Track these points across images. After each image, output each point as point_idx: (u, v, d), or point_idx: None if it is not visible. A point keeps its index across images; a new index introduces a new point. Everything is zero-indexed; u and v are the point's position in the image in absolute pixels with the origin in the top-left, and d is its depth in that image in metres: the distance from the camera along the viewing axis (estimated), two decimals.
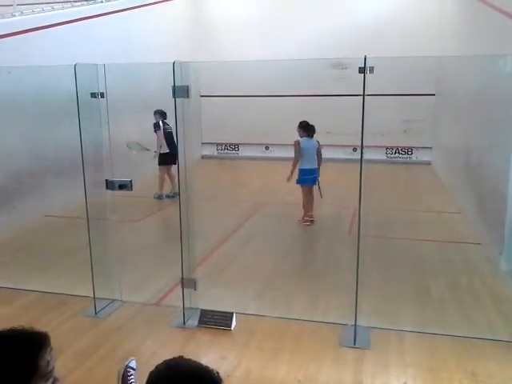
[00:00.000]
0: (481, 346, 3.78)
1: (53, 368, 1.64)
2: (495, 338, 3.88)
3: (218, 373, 1.45)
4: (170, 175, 8.56)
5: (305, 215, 7.07)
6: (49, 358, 1.62)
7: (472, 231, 6.55)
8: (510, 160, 5.10)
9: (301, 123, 7.12)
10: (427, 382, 3.37)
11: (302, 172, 6.93)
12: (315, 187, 7.12)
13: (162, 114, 8.42)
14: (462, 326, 4.09)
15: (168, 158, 8.25)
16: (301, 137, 7.05)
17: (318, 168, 7.09)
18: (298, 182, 6.98)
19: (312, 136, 7.04)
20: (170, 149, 8.22)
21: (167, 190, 8.64)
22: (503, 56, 5.47)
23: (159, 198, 8.49)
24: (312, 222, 7.07)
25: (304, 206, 7.08)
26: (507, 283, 4.92)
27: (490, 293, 4.73)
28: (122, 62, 6.91)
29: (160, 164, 8.52)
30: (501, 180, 5.35)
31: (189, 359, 1.50)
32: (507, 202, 5.15)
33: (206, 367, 1.45)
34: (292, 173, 6.89)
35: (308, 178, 6.98)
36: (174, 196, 8.02)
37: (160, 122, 8.41)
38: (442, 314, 4.32)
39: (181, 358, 1.50)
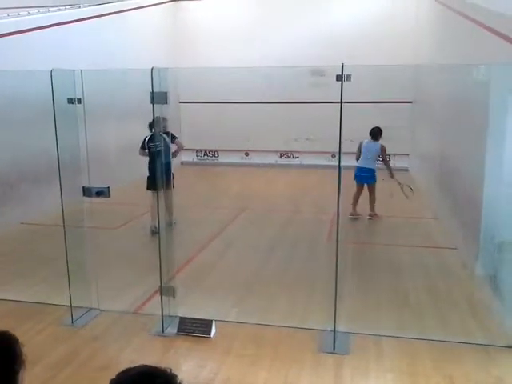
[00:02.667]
0: (457, 350, 3.83)
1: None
2: (471, 342, 3.94)
3: (170, 369, 1.45)
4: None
5: (353, 210, 7.65)
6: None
7: (448, 236, 6.66)
8: (485, 167, 5.21)
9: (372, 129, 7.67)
10: None
11: (357, 169, 7.60)
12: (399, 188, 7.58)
13: (154, 125, 6.21)
14: (439, 331, 4.15)
15: (148, 183, 6.63)
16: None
17: (389, 171, 7.68)
18: (354, 179, 7.62)
19: (376, 139, 7.57)
20: (149, 171, 6.60)
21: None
22: (476, 66, 5.60)
23: (154, 232, 6.42)
24: (357, 217, 7.64)
25: (353, 203, 7.63)
26: (482, 288, 5.00)
27: (466, 297, 4.81)
28: (100, 68, 6.85)
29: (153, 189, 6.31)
30: (476, 186, 5.46)
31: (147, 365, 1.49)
32: (482, 208, 5.26)
33: (159, 367, 1.45)
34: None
35: (359, 176, 7.57)
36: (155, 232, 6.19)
37: (146, 139, 6.84)
38: (419, 319, 4.37)
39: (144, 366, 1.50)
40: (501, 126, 4.97)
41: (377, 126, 7.72)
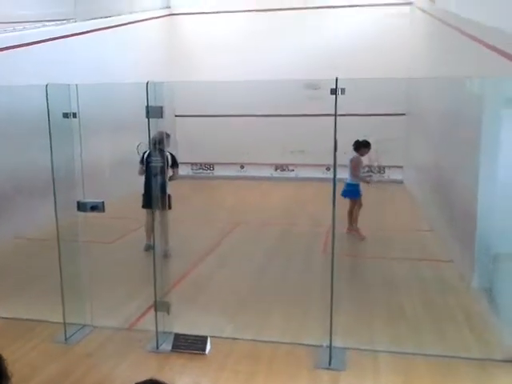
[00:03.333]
0: (454, 365, 3.80)
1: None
2: (468, 356, 3.91)
3: None
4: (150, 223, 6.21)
5: (354, 226, 7.54)
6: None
7: (444, 249, 6.65)
8: (478, 179, 5.23)
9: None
10: None
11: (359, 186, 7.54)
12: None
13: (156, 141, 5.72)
14: (436, 345, 4.12)
15: (143, 201, 6.47)
16: (362, 155, 7.53)
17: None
18: (358, 195, 7.51)
19: (356, 152, 7.52)
20: (145, 189, 6.40)
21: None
22: (470, 79, 5.65)
23: (148, 248, 6.43)
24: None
25: (352, 218, 7.55)
26: (479, 300, 4.99)
27: (462, 310, 4.79)
28: (96, 82, 6.86)
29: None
30: (470, 199, 5.47)
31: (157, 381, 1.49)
32: (477, 220, 5.26)
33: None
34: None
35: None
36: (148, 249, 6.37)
37: (145, 154, 6.47)
38: (416, 333, 4.34)
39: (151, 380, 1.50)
40: (494, 138, 5.00)
41: (365, 139, 7.59)
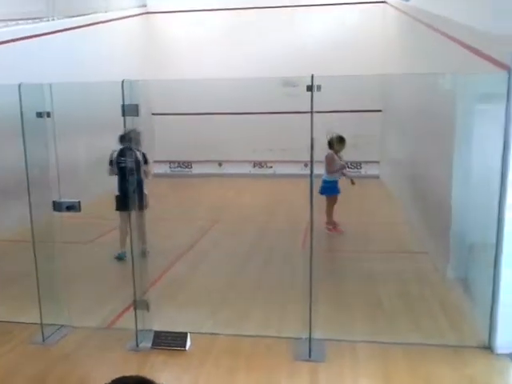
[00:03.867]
0: (431, 352, 3.89)
1: None
2: (444, 344, 4.01)
3: None
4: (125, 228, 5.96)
5: (331, 223, 7.49)
6: None
7: (420, 241, 6.78)
8: (452, 172, 5.34)
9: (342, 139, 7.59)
10: None
11: (337, 183, 7.52)
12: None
13: (125, 140, 5.88)
14: (413, 334, 4.20)
15: (117, 203, 6.16)
16: (337, 151, 7.54)
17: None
18: (335, 192, 7.49)
19: (330, 148, 7.53)
20: (119, 190, 6.11)
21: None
22: (442, 74, 5.76)
23: (119, 258, 6.14)
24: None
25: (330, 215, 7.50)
26: (454, 290, 5.10)
27: (438, 300, 4.89)
28: (73, 81, 6.77)
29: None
30: (445, 191, 5.58)
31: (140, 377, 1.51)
32: (451, 212, 5.38)
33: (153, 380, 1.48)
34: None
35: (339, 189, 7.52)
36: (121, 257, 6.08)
37: (114, 154, 6.19)
38: (393, 323, 4.42)
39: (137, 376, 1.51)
40: (467, 133, 5.10)
41: (339, 135, 7.64)
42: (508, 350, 3.84)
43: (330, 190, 7.45)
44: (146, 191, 5.74)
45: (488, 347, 3.93)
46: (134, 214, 4.88)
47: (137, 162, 5.41)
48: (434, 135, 6.41)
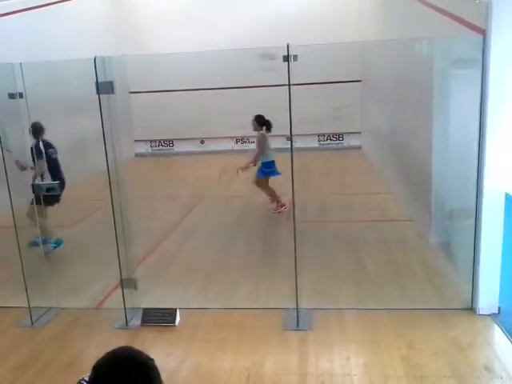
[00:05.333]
0: (416, 316, 3.99)
1: None
2: (428, 307, 4.11)
3: (153, 360, 1.50)
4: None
5: (278, 203, 7.18)
6: None
7: (403, 209, 6.86)
8: (432, 139, 5.39)
9: (259, 118, 7.31)
10: (368, 354, 3.52)
11: (269, 164, 7.14)
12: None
13: (37, 132, 5.53)
14: (398, 300, 4.30)
15: (52, 197, 5.26)
16: (259, 131, 7.25)
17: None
18: (264, 174, 7.14)
19: (270, 131, 7.29)
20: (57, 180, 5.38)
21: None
22: (419, 40, 5.74)
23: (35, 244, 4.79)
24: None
25: (274, 195, 7.21)
26: (436, 255, 5.21)
27: (422, 265, 4.99)
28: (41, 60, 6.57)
29: (45, 203, 5.02)
30: (425, 158, 5.64)
31: (128, 348, 1.51)
32: (432, 180, 5.45)
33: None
34: (248, 165, 7.08)
35: (272, 170, 7.19)
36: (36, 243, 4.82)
37: (40, 145, 5.56)
38: (379, 290, 4.50)
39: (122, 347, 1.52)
40: (445, 99, 5.13)
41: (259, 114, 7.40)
42: (490, 310, 3.95)
43: (270, 173, 7.17)
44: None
45: (470, 309, 4.03)
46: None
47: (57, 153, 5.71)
48: (413, 103, 6.42)
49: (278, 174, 7.10)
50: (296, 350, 3.61)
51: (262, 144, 7.17)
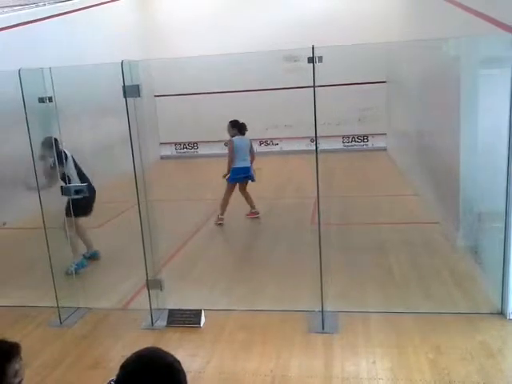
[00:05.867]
0: (443, 320, 3.92)
1: (21, 380, 1.65)
2: (456, 311, 4.03)
3: (179, 362, 1.53)
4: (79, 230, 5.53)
5: (221, 214, 6.94)
6: (17, 368, 1.66)
7: (429, 212, 6.76)
8: (460, 140, 5.29)
9: (232, 122, 7.09)
10: (395, 358, 3.47)
11: (236, 171, 6.90)
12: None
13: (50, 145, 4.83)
14: (425, 303, 4.23)
15: (84, 206, 5.29)
16: (232, 136, 7.04)
17: (251, 164, 7.12)
18: (230, 180, 6.93)
19: (244, 134, 7.05)
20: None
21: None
22: (446, 40, 5.65)
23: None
24: (257, 214, 7.09)
25: (223, 205, 6.96)
26: (465, 258, 5.11)
27: (449, 269, 4.90)
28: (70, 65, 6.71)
29: (75, 215, 4.97)
30: (453, 160, 5.54)
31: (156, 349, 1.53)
32: (460, 181, 5.35)
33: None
34: (228, 171, 6.90)
35: (241, 177, 6.97)
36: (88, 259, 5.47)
37: (65, 152, 5.28)
38: (405, 294, 4.45)
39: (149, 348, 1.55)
40: (473, 99, 5.04)
41: (235, 119, 7.19)
42: None
43: (238, 178, 7.02)
44: None
45: (500, 313, 3.94)
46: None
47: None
48: (440, 103, 6.32)
49: (242, 180, 6.95)
50: (321, 352, 3.59)
51: (229, 150, 7.00)
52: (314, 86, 3.77)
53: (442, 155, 6.29)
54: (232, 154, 6.92)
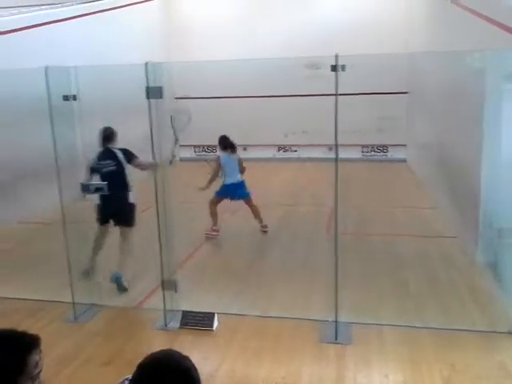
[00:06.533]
0: (459, 337, 3.85)
1: (40, 370, 1.72)
2: (473, 329, 3.95)
3: (196, 370, 1.54)
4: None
5: (214, 225, 6.71)
6: (37, 359, 1.71)
7: (448, 225, 6.67)
8: (482, 154, 5.22)
9: (220, 140, 7.00)
10: (408, 373, 3.42)
11: (225, 187, 6.75)
12: None
13: (105, 138, 5.05)
14: (441, 319, 4.16)
15: (100, 214, 5.00)
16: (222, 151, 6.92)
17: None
18: (218, 194, 6.78)
19: (233, 152, 6.91)
20: (101, 200, 4.82)
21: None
22: (470, 52, 5.59)
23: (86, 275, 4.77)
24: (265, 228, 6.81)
25: (212, 216, 6.75)
26: (483, 274, 5.02)
27: (467, 284, 4.82)
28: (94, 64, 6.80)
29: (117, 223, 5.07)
30: (474, 174, 5.47)
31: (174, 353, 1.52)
32: (480, 195, 5.27)
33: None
34: (209, 184, 6.72)
35: (229, 194, 6.77)
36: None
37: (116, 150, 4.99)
38: (420, 308, 4.38)
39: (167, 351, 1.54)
40: (496, 112, 4.97)
41: (223, 135, 7.14)
42: None
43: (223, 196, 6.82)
44: (132, 199, 5.03)
45: None
46: (121, 229, 4.93)
47: (120, 167, 4.89)
48: (462, 117, 6.25)
49: (231, 197, 6.75)
50: (333, 363, 3.55)
51: (214, 166, 6.82)
52: (336, 94, 3.76)
53: (462, 168, 6.21)
54: (217, 170, 6.76)
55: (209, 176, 6.70)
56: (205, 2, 12.90)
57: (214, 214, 6.76)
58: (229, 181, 6.74)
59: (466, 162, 6.00)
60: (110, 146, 4.98)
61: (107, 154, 4.92)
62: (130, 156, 4.97)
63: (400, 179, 10.23)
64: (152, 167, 4.45)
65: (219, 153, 7.02)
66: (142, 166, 5.00)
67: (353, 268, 5.11)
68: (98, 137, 5.03)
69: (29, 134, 7.09)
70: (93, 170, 4.91)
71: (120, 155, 4.92)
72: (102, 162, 4.89)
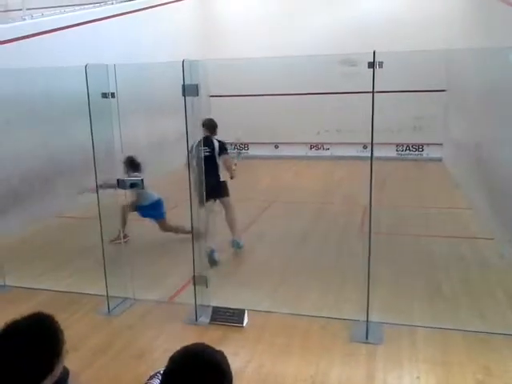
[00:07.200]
0: (494, 341, 3.75)
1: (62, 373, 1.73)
2: (509, 333, 3.85)
3: (228, 365, 1.54)
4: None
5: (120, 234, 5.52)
6: (63, 363, 1.72)
7: (484, 227, 6.49)
8: None
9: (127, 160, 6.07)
10: (440, 376, 3.36)
11: (142, 208, 6.27)
12: None
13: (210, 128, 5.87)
14: (475, 321, 4.06)
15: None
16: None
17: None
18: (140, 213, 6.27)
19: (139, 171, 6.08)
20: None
21: None
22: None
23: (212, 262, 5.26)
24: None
25: (122, 224, 5.82)
26: None
27: (502, 287, 4.69)
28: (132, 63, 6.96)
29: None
30: None
31: (206, 347, 1.56)
32: None
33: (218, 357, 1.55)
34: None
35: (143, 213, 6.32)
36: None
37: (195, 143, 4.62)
38: (454, 310, 4.29)
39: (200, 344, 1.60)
40: None
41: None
42: None
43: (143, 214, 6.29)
44: (222, 178, 5.92)
45: None
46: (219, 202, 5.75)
47: (213, 152, 5.71)
48: (502, 115, 6.07)
49: (146, 216, 6.29)
50: (363, 363, 3.52)
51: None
52: (373, 92, 3.71)
53: (501, 169, 6.03)
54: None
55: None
56: (240, 0, 12.96)
57: (123, 222, 5.95)
58: (145, 202, 6.24)
59: (505, 162, 5.83)
60: (210, 135, 5.75)
61: (206, 141, 5.46)
62: (222, 149, 5.82)
63: (435, 179, 10.03)
64: (229, 171, 5.83)
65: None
66: (225, 162, 5.89)
67: (386, 267, 5.04)
68: (201, 126, 5.47)
69: (68, 130, 7.30)
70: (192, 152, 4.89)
71: (216, 144, 5.76)
72: (201, 148, 5.04)
